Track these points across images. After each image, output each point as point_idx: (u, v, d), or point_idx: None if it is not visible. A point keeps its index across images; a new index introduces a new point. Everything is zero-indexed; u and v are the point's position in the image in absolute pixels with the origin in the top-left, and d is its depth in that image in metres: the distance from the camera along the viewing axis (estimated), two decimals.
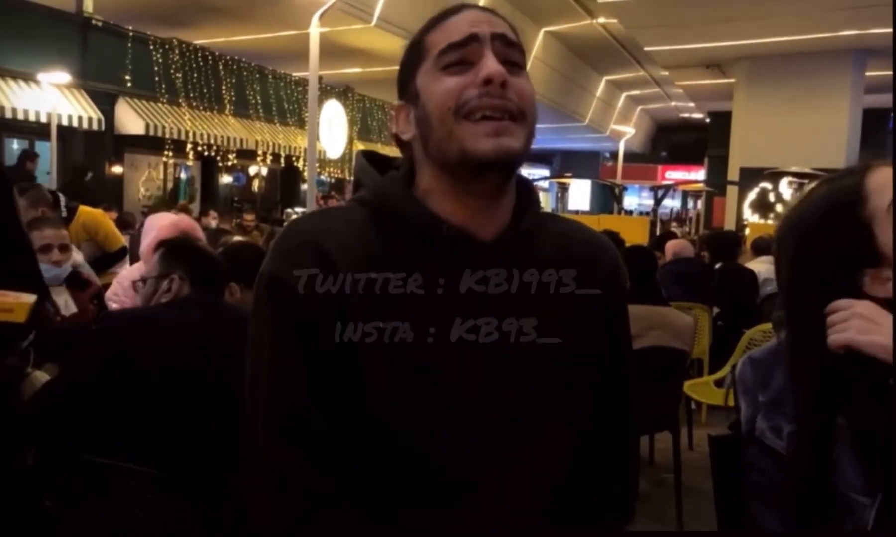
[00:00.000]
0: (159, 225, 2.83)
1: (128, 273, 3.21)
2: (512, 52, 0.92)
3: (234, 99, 12.71)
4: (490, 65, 0.88)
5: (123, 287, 2.85)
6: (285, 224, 0.95)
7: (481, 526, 0.90)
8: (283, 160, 14.17)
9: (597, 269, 1.00)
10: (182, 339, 1.69)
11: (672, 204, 24.55)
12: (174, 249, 1.95)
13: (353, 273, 0.88)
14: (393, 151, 1.06)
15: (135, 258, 4.27)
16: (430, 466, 0.89)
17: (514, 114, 0.89)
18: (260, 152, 13.04)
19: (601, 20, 13.19)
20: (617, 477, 1.05)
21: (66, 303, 2.62)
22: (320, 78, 9.92)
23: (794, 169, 11.75)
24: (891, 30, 10.11)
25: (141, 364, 1.59)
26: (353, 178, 1.02)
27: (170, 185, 13.45)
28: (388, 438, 0.88)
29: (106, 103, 10.88)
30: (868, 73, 12.69)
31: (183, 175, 13.90)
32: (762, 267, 5.97)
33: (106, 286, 3.17)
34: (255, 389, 0.90)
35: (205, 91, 12.09)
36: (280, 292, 0.88)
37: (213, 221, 8.03)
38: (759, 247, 6.45)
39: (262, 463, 0.88)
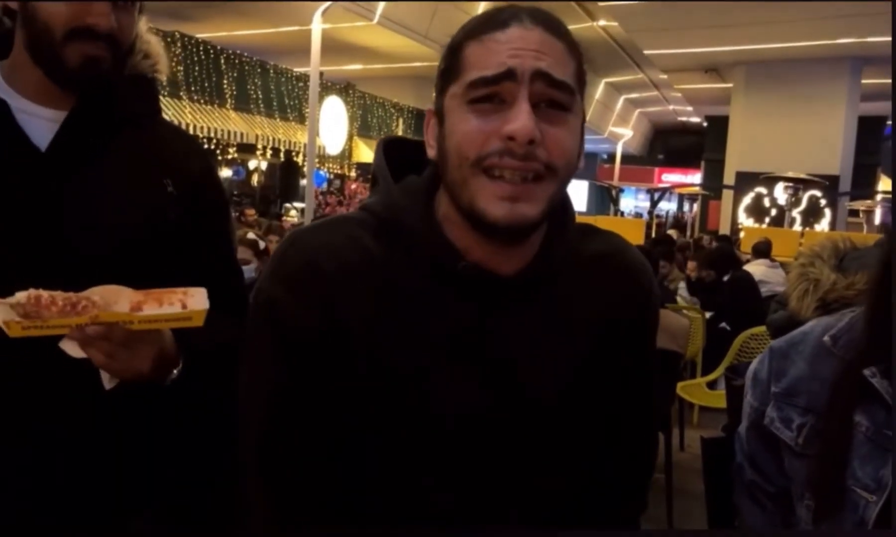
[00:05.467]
0: None
1: None
2: (556, 92, 0.78)
3: (234, 93, 12.70)
4: (519, 119, 0.75)
5: None
6: (286, 235, 0.91)
7: None
8: (282, 155, 14.18)
9: (630, 299, 0.93)
10: None
11: (668, 206, 24.59)
12: None
13: (355, 302, 0.82)
14: None
15: None
16: (430, 506, 0.85)
17: (540, 172, 0.78)
18: (260, 146, 13.05)
19: (601, 23, 13.21)
20: (634, 500, 1.02)
21: None
22: (321, 74, 9.95)
23: (790, 174, 11.83)
24: (887, 38, 10.17)
25: None
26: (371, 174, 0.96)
27: None
28: (388, 474, 0.84)
29: None
30: (864, 81, 12.75)
31: None
32: (759, 269, 6.06)
33: None
34: (247, 412, 0.87)
35: (206, 85, 12.07)
36: (278, 318, 0.83)
37: None
38: (760, 250, 6.54)
39: (253, 490, 0.87)
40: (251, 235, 3.45)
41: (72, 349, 0.93)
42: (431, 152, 0.85)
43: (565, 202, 0.90)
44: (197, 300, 0.91)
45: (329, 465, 0.85)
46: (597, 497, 0.96)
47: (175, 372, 1.02)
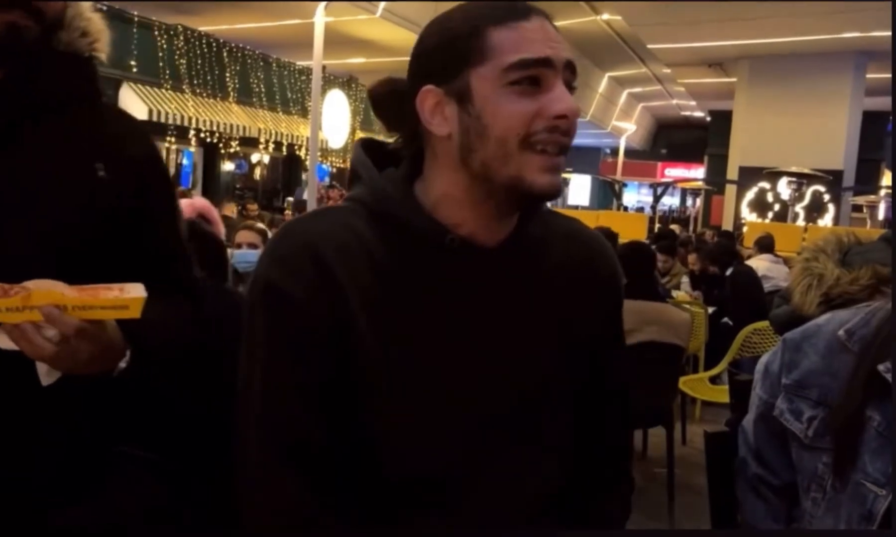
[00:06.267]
0: None
1: None
2: (573, 79, 0.87)
3: (237, 86, 12.71)
4: (565, 101, 0.84)
5: None
6: (281, 225, 0.91)
7: (474, 529, 0.89)
8: (285, 148, 14.19)
9: (598, 271, 1.01)
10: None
11: (671, 201, 24.58)
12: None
13: (353, 282, 0.85)
14: None
15: None
16: (425, 482, 0.88)
17: (567, 148, 0.87)
18: (262, 140, 13.06)
19: (605, 17, 13.20)
20: (616, 472, 1.06)
21: None
22: (324, 67, 9.96)
23: (793, 169, 11.82)
24: (891, 33, 10.14)
25: None
26: (349, 170, 0.97)
27: (171, 171, 13.48)
28: (386, 453, 0.87)
29: (109, 88, 10.86)
30: (868, 76, 12.73)
31: (186, 161, 13.95)
32: (762, 264, 6.06)
33: None
34: (247, 397, 0.88)
35: (208, 78, 12.08)
36: (276, 302, 0.85)
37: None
38: (763, 245, 6.53)
39: (253, 476, 0.87)
40: (260, 225, 3.57)
41: (1, 341, 0.89)
42: (442, 131, 0.88)
43: None
44: (133, 295, 0.90)
45: (329, 444, 0.86)
46: (585, 470, 1.01)
47: (122, 363, 0.98)
